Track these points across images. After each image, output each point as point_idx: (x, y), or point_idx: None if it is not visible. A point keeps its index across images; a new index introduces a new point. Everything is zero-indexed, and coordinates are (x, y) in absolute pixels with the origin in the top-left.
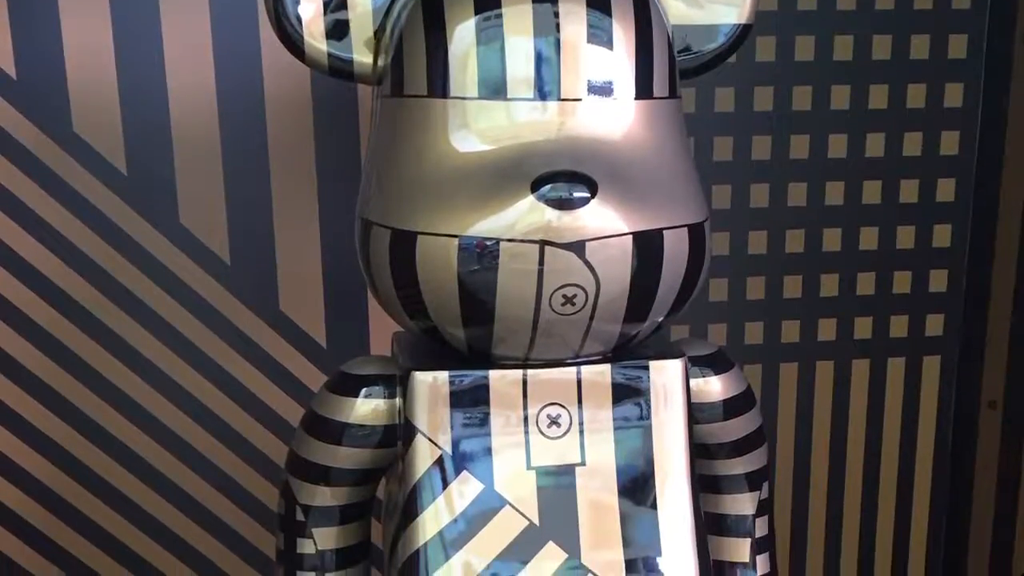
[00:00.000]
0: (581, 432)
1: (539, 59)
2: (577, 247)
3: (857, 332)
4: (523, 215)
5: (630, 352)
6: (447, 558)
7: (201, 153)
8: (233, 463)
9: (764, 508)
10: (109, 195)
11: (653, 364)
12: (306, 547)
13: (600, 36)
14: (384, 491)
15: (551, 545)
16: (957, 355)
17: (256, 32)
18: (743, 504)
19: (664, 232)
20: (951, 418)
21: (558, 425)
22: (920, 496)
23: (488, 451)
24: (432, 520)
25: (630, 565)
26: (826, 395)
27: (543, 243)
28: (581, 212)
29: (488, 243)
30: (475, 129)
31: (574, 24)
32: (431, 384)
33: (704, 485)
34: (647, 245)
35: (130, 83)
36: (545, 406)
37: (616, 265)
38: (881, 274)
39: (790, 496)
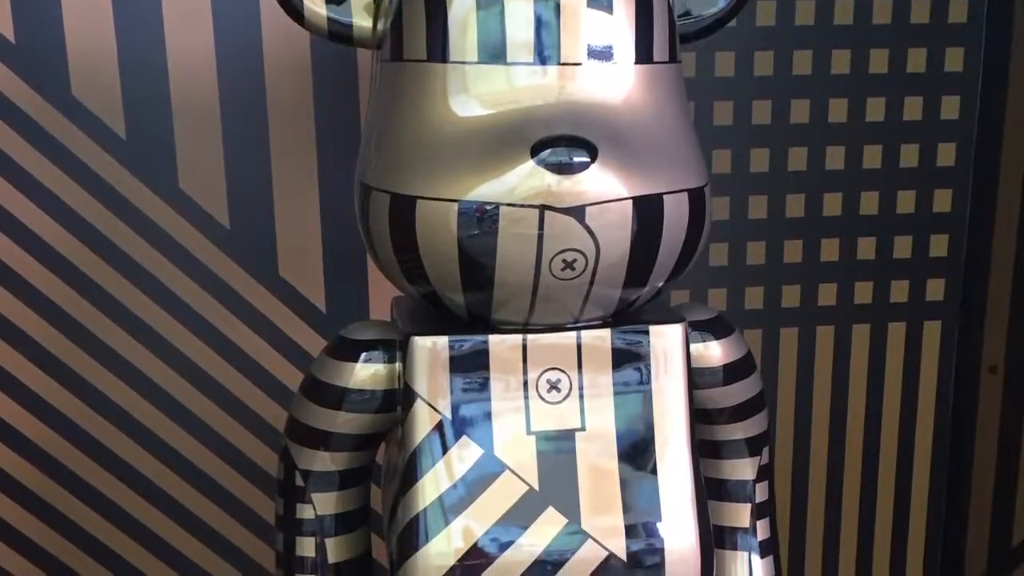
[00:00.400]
0: (581, 397)
1: (539, 23)
2: (577, 212)
3: (857, 297)
4: (523, 179)
5: (630, 317)
6: (447, 523)
7: (200, 118)
8: (232, 428)
9: (764, 474)
10: (108, 159)
11: (653, 329)
12: (305, 512)
13: (600, 0)
14: (384, 456)
15: (551, 510)
16: (958, 320)
17: None
18: (743, 469)
19: (664, 197)
20: (952, 383)
21: (558, 390)
22: (920, 461)
23: (488, 416)
24: (432, 485)
25: (630, 530)
26: (826, 360)
27: (543, 208)
28: (581, 176)
29: (488, 207)
30: (475, 93)
31: None
32: (431, 349)
33: (704, 450)
34: (647, 210)
35: (129, 47)
36: (545, 371)
37: (616, 230)
38: (881, 239)
39: (790, 461)
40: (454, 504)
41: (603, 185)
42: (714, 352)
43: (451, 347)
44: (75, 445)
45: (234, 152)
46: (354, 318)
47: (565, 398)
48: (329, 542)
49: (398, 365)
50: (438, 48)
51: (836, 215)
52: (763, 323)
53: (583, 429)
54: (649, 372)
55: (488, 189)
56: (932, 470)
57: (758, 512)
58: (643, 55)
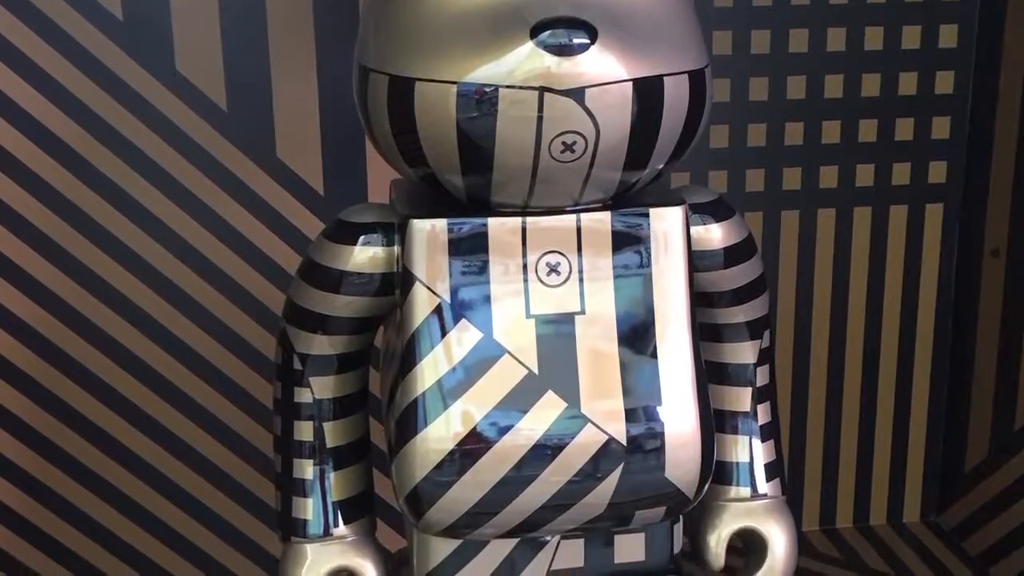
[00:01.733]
0: (581, 280)
1: None
2: (576, 94)
3: (859, 179)
4: (522, 62)
5: (630, 200)
6: (445, 407)
7: None
8: (229, 311)
9: (765, 357)
10: (105, 41)
11: (653, 211)
12: (303, 396)
13: None
14: (382, 340)
15: (550, 394)
16: (960, 202)
17: None
18: (744, 353)
19: (664, 78)
20: (953, 266)
21: (557, 273)
22: (922, 345)
23: (487, 299)
24: (431, 369)
25: (630, 414)
26: (827, 243)
27: (542, 90)
28: (581, 58)
29: (487, 90)
30: None
31: None
32: (429, 232)
33: (705, 334)
34: (647, 91)
35: None
36: (544, 254)
37: (616, 112)
38: (883, 121)
39: (791, 345)
40: (453, 388)
41: (603, 67)
42: (715, 234)
43: (450, 230)
44: (71, 328)
45: (232, 33)
46: (352, 201)
47: (565, 281)
48: (327, 426)
49: (396, 248)
50: None
51: (837, 97)
52: (764, 206)
53: (583, 312)
54: (649, 255)
55: (487, 71)
56: (933, 354)
57: (759, 396)
58: None
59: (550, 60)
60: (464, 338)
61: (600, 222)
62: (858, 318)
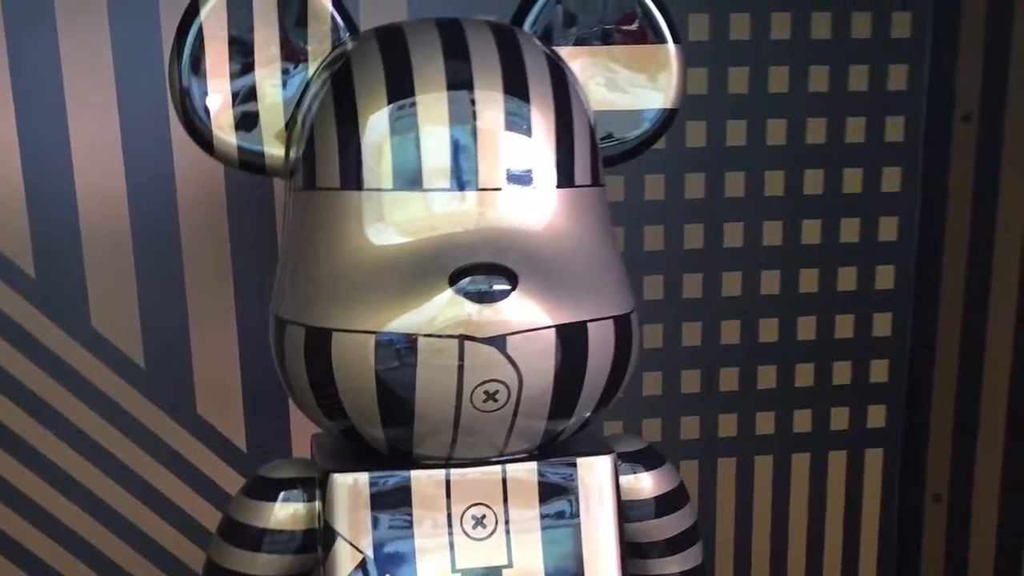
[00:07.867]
0: (507, 532)
1: (456, 148)
2: (498, 341)
3: (796, 425)
4: (442, 309)
5: (557, 449)
6: None
7: (112, 253)
8: (151, 574)
9: None
10: (16, 299)
11: (581, 461)
12: None
13: (519, 123)
14: None
15: None
16: (900, 447)
17: (167, 126)
18: None
19: (588, 324)
20: (896, 513)
21: (483, 526)
22: None
23: (412, 554)
24: None
25: None
26: (765, 491)
27: (463, 338)
28: (502, 305)
29: (407, 339)
30: (391, 221)
31: (491, 111)
32: (351, 486)
33: None
34: (571, 338)
35: (36, 183)
36: (470, 506)
37: (539, 359)
38: (820, 365)
39: None
40: None
41: (525, 313)
42: (645, 484)
43: (372, 484)
44: None
45: (148, 288)
46: (276, 457)
47: (491, 534)
48: None
49: (318, 503)
50: (352, 175)
51: (773, 341)
52: (700, 454)
53: (510, 566)
54: (577, 505)
55: (407, 320)
56: None
57: None
58: (564, 179)
59: (470, 307)
60: None
61: (526, 472)
62: (799, 566)
